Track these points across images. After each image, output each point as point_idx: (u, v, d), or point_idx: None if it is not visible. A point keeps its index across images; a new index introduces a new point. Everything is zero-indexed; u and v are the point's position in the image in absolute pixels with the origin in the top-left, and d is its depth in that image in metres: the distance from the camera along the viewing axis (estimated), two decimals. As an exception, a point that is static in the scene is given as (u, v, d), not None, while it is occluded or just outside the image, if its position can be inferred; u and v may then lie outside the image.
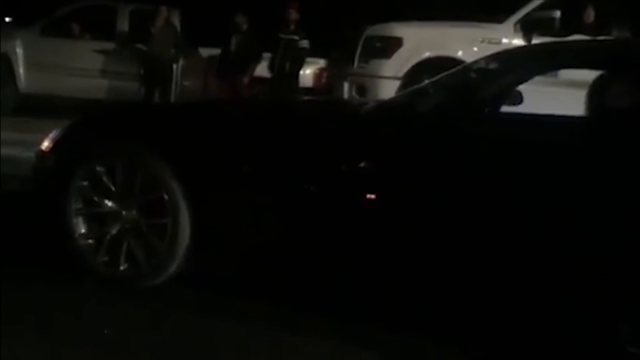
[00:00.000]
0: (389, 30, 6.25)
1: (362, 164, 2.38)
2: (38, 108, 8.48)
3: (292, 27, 7.68)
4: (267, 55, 8.02)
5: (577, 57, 2.47)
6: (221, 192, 2.54)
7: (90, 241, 2.66)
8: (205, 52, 8.67)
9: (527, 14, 6.12)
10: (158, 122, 2.79)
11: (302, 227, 2.48)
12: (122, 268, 2.60)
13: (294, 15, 7.66)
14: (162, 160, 2.54)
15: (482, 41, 6.01)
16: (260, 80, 8.20)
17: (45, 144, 2.82)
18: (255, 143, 2.55)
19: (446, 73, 2.93)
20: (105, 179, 2.63)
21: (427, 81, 2.92)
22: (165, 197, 2.53)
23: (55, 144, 2.79)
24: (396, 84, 6.07)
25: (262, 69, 8.08)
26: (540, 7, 6.15)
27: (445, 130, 2.26)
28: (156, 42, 8.03)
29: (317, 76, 8.62)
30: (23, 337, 2.18)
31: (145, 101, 7.92)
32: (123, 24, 8.63)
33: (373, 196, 2.34)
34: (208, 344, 2.22)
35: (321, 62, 8.63)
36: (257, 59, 8.04)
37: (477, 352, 2.24)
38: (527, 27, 6.05)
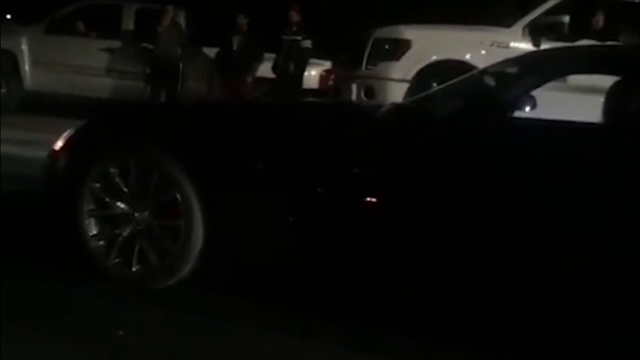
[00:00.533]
0: (398, 32, 6.23)
1: (378, 168, 2.36)
2: (43, 106, 8.47)
3: (294, 28, 7.72)
4: (269, 56, 8.04)
5: (599, 62, 2.46)
6: (235, 194, 2.52)
7: (101, 243, 2.62)
8: (209, 52, 8.65)
9: (535, 18, 6.11)
10: (171, 122, 2.76)
11: (314, 230, 2.46)
12: (134, 270, 2.57)
13: (295, 17, 7.72)
14: (175, 161, 2.51)
15: (491, 45, 6.01)
16: (263, 80, 8.21)
17: (58, 144, 2.79)
18: (269, 145, 2.53)
19: (462, 77, 2.91)
20: (118, 180, 2.60)
21: (444, 84, 2.89)
22: (179, 198, 2.50)
23: (68, 145, 2.76)
24: (404, 86, 6.06)
25: (263, 70, 8.10)
26: (549, 12, 6.14)
27: (467, 134, 2.25)
28: (162, 42, 8.02)
29: (323, 78, 8.61)
30: (34, 339, 2.14)
31: (151, 100, 7.92)
32: (128, 23, 8.61)
33: (386, 200, 2.32)
34: (219, 346, 2.20)
35: (327, 64, 8.62)
36: (259, 60, 8.06)
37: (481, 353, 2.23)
38: (535, 32, 6.04)
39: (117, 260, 2.60)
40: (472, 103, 2.39)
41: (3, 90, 8.47)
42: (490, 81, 2.65)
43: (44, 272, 2.69)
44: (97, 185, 2.62)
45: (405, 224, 2.31)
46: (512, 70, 2.67)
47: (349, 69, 6.80)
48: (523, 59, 2.87)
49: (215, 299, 2.54)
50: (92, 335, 2.20)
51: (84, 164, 2.64)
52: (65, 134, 2.84)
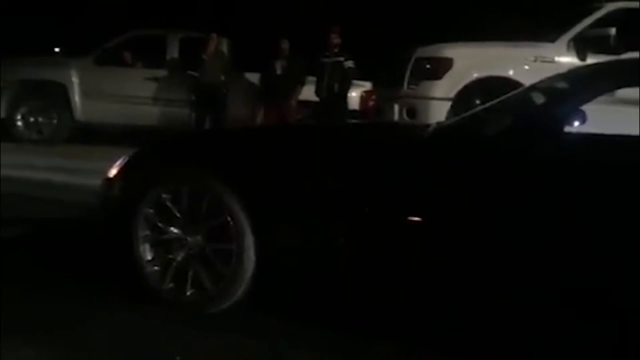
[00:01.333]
0: (439, 51, 6.20)
1: (429, 187, 2.34)
2: (93, 135, 8.73)
3: (336, 50, 7.80)
4: (312, 79, 8.11)
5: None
6: (285, 217, 2.53)
7: (156, 268, 2.67)
8: (251, 77, 8.76)
9: (580, 32, 6.01)
10: (221, 147, 2.81)
11: (368, 252, 2.45)
12: (188, 294, 2.61)
13: (336, 39, 7.81)
14: (226, 186, 2.55)
15: (535, 60, 5.93)
16: (306, 104, 8.28)
17: (112, 172, 2.87)
18: (320, 167, 2.54)
19: (508, 95, 2.89)
20: (170, 205, 2.65)
21: (489, 103, 2.86)
22: (230, 222, 2.53)
23: (122, 172, 2.84)
24: (447, 105, 6.02)
25: (305, 93, 8.17)
26: (594, 25, 6.04)
27: (521, 151, 2.22)
28: (207, 69, 8.18)
29: (364, 99, 8.62)
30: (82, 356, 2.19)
31: (197, 127, 8.07)
32: (173, 52, 8.82)
33: (438, 219, 2.30)
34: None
35: (367, 85, 8.64)
36: (302, 83, 8.14)
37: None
38: (581, 45, 5.94)
39: (171, 284, 2.64)
40: (525, 120, 2.36)
41: (55, 121, 8.76)
42: (539, 97, 2.61)
43: (108, 299, 2.73)
44: (151, 211, 2.67)
45: (459, 242, 2.28)
46: (562, 85, 2.63)
47: (390, 89, 6.80)
48: (571, 74, 2.83)
49: (267, 322, 2.55)
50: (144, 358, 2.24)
51: (138, 191, 2.70)
52: (119, 162, 2.91)
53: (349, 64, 7.81)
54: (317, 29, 8.11)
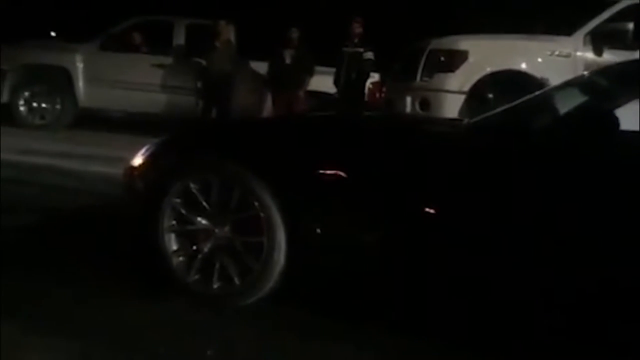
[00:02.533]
0: (454, 43, 6.13)
1: (475, 186, 2.28)
2: (97, 121, 8.64)
3: (356, 40, 7.72)
4: (320, 69, 8.04)
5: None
6: (319, 210, 2.47)
7: (182, 259, 2.61)
8: (258, 66, 8.67)
9: (597, 26, 5.95)
10: (252, 138, 2.73)
11: (404, 249, 2.39)
12: (215, 286, 2.55)
13: (358, 29, 7.72)
14: (258, 177, 2.48)
15: (551, 54, 5.88)
16: (314, 94, 8.21)
17: (137, 161, 2.80)
18: (355, 159, 2.47)
19: (542, 91, 2.83)
20: (199, 196, 2.59)
21: (522, 99, 2.80)
22: (261, 214, 2.47)
23: (148, 161, 2.77)
24: (460, 98, 5.96)
25: (314, 84, 8.11)
26: (611, 19, 5.98)
27: (566, 148, 2.16)
28: (217, 57, 8.07)
29: (373, 90, 8.56)
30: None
31: (202, 116, 7.98)
32: (180, 38, 8.71)
33: (489, 219, 2.23)
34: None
35: (375, 76, 8.57)
36: (311, 73, 8.07)
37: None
38: (597, 40, 5.88)
39: (197, 276, 2.58)
40: (569, 116, 2.30)
41: (58, 106, 8.65)
42: (579, 94, 2.55)
43: (136, 291, 2.66)
44: (178, 201, 2.61)
45: (502, 238, 2.23)
46: (602, 82, 2.57)
47: (402, 80, 6.73)
48: (611, 71, 2.77)
49: (294, 315, 2.50)
50: (183, 355, 2.19)
51: (165, 181, 2.63)
52: (143, 150, 2.84)
53: (369, 55, 7.72)
54: (327, 19, 8.04)
